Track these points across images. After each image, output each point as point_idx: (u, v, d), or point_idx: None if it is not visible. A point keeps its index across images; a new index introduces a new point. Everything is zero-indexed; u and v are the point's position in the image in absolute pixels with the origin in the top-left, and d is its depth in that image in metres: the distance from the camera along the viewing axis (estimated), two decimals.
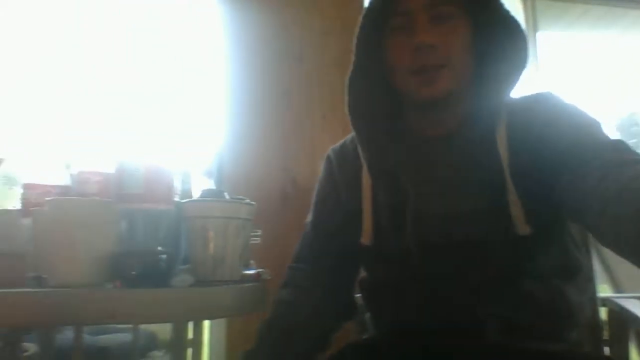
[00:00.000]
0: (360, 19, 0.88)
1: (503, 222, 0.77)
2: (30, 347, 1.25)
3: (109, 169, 0.77)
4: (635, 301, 1.07)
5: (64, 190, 0.90)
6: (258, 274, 0.83)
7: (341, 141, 1.04)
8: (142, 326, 1.57)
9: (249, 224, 0.81)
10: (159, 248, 0.71)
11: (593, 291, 0.86)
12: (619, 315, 1.06)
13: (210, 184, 1.12)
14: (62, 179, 0.91)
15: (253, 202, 0.84)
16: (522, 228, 0.77)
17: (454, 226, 0.81)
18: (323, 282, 0.94)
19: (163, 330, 1.69)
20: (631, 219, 0.58)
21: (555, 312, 0.79)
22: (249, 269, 0.91)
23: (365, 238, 0.88)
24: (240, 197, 1.00)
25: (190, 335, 1.33)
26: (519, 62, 0.84)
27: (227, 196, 0.94)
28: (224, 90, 2.00)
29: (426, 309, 0.82)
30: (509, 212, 0.77)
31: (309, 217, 1.03)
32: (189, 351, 1.31)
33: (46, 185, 0.91)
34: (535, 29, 2.77)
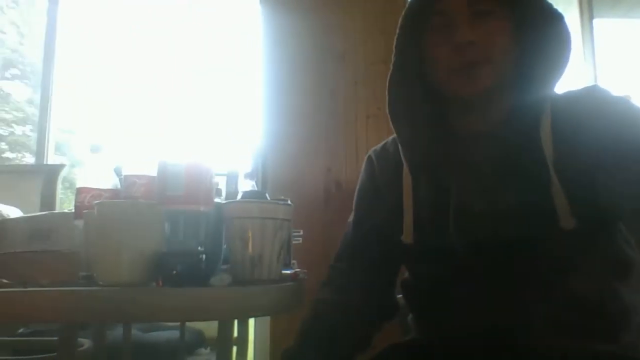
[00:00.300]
0: (400, 19, 0.89)
1: (548, 218, 0.76)
2: (85, 343, 1.31)
3: (154, 171, 0.81)
4: None
5: (114, 194, 0.95)
6: (295, 274, 0.84)
7: (382, 142, 1.05)
8: (190, 324, 1.63)
9: (287, 225, 0.82)
10: (199, 248, 0.73)
11: None
12: None
13: (253, 185, 1.14)
14: (112, 182, 0.96)
15: (290, 203, 0.85)
16: (568, 222, 0.75)
17: (498, 223, 0.80)
18: (364, 281, 0.95)
19: (210, 328, 1.74)
20: None
21: (607, 311, 0.76)
22: (289, 269, 0.92)
23: (407, 237, 0.88)
24: (281, 198, 1.02)
25: (235, 333, 1.37)
26: (562, 55, 0.83)
27: (267, 197, 0.96)
28: (267, 92, 2.03)
29: (471, 309, 0.81)
30: (554, 206, 0.76)
31: (351, 217, 1.04)
32: (234, 349, 1.34)
33: (98, 189, 0.95)
34: (591, 16, 2.66)
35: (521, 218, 0.79)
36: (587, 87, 0.85)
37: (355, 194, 1.05)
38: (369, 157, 1.05)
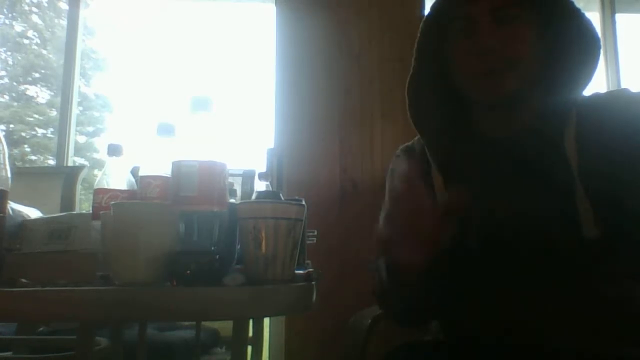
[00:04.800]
0: (421, 23, 0.89)
1: (572, 226, 0.76)
2: (102, 341, 1.33)
3: (169, 172, 0.81)
4: None
5: (130, 195, 0.96)
6: (308, 274, 0.84)
7: (409, 143, 1.05)
8: (205, 323, 1.64)
9: (300, 224, 0.82)
10: (213, 248, 0.74)
11: None
12: None
13: (267, 186, 1.15)
14: (130, 184, 0.97)
15: (304, 203, 0.85)
16: (591, 231, 0.75)
17: (521, 229, 0.80)
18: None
19: (225, 327, 1.75)
20: None
21: (630, 313, 0.75)
22: (302, 269, 0.92)
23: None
24: (296, 197, 1.02)
25: (250, 332, 1.38)
26: (590, 59, 0.82)
27: (282, 197, 0.97)
28: (282, 91, 2.04)
29: (493, 309, 0.81)
30: (578, 215, 0.75)
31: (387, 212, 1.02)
32: (250, 348, 1.35)
33: (115, 190, 0.97)
34: (613, 11, 2.62)
35: (544, 225, 0.78)
36: (615, 90, 0.84)
37: (387, 189, 1.03)
38: (398, 155, 1.04)
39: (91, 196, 0.98)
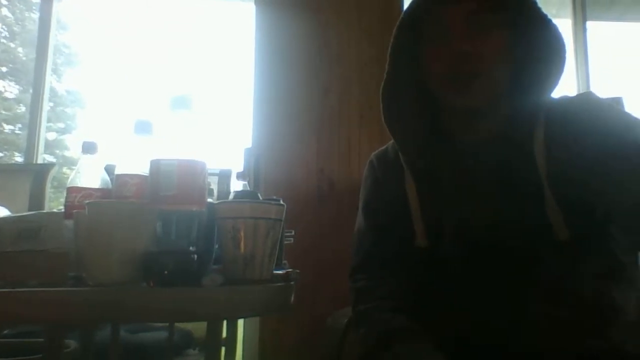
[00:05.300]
0: (395, 29, 0.89)
1: (543, 230, 0.77)
2: (71, 344, 1.30)
3: (146, 171, 0.80)
4: None
5: (105, 193, 0.94)
6: (287, 274, 0.83)
7: (383, 147, 1.05)
8: (179, 324, 1.62)
9: (279, 225, 0.82)
10: (191, 248, 0.73)
11: (638, 291, 0.84)
12: None
13: (245, 185, 1.14)
14: (104, 182, 0.95)
15: (283, 203, 0.84)
16: (562, 234, 0.76)
17: (495, 233, 0.81)
18: (401, 285, 0.90)
19: (198, 328, 1.73)
20: None
21: (600, 310, 0.78)
22: (280, 269, 0.92)
23: (421, 240, 0.88)
24: (274, 197, 1.01)
25: (224, 333, 1.36)
26: (556, 65, 0.83)
27: (260, 197, 0.96)
28: (260, 91, 2.02)
29: (469, 313, 0.82)
30: (549, 219, 0.77)
31: (361, 225, 1.00)
32: (223, 349, 1.33)
33: (89, 188, 0.94)
34: (584, 18, 2.69)
35: (517, 230, 0.80)
36: (581, 94, 0.86)
37: (362, 199, 1.03)
38: (371, 161, 1.04)
39: (60, 195, 0.95)
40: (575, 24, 2.71)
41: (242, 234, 0.77)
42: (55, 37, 2.66)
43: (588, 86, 2.60)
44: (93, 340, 1.30)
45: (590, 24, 2.71)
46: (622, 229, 0.72)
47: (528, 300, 0.78)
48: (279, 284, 0.77)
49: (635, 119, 0.76)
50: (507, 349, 0.78)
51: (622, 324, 0.79)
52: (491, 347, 0.79)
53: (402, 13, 0.88)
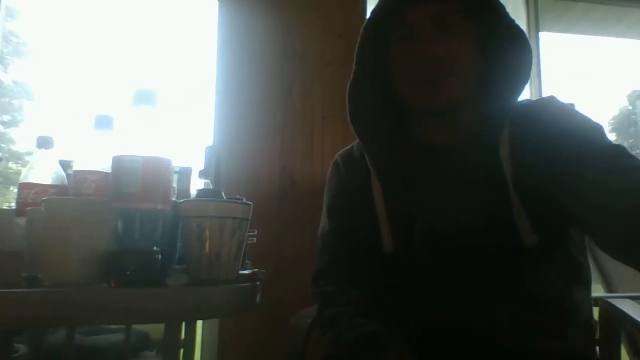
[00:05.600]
0: (362, 29, 0.88)
1: (510, 234, 0.78)
2: (20, 348, 1.24)
3: (107, 168, 0.77)
4: (628, 301, 1.09)
5: (61, 190, 0.90)
6: (254, 274, 0.83)
7: (348, 147, 1.04)
8: (135, 326, 1.56)
9: (246, 224, 0.81)
10: (155, 248, 0.71)
11: (590, 292, 0.88)
12: (612, 316, 1.07)
13: (207, 184, 1.11)
14: (60, 179, 0.91)
15: (250, 202, 0.84)
16: (529, 239, 0.77)
17: (462, 237, 0.82)
18: (366, 290, 0.89)
19: (155, 330, 1.68)
20: (634, 226, 0.60)
21: (561, 312, 0.80)
22: (245, 269, 0.91)
23: (388, 246, 0.87)
24: (237, 197, 0.99)
25: (183, 335, 1.33)
26: (523, 70, 0.85)
27: (224, 196, 0.94)
28: (222, 89, 1.99)
29: (435, 312, 0.83)
30: (516, 224, 0.78)
31: (326, 227, 0.99)
32: (182, 351, 1.30)
33: (43, 185, 0.90)
34: (537, 29, 2.79)
35: (484, 233, 0.80)
36: (543, 98, 0.87)
37: (327, 201, 1.01)
38: (336, 162, 1.02)
39: (6, 191, 0.91)
40: (529, 34, 2.81)
41: (207, 233, 0.76)
42: (2, 24, 2.52)
43: (541, 95, 2.71)
44: (44, 344, 1.25)
45: (542, 35, 2.82)
46: (585, 230, 0.73)
47: (495, 302, 0.79)
48: (246, 284, 0.76)
49: (596, 122, 0.78)
50: (475, 349, 0.78)
51: (579, 323, 0.82)
52: (459, 347, 0.80)
53: (370, 13, 0.88)
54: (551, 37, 3.23)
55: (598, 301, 1.09)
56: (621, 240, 0.63)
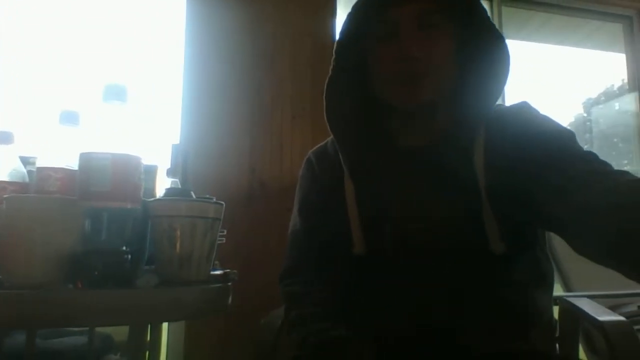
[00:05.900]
0: (342, 26, 0.88)
1: (479, 241, 0.79)
2: None
3: (73, 165, 0.74)
4: (585, 300, 1.13)
5: (22, 187, 0.86)
6: (225, 275, 0.82)
7: (321, 144, 1.03)
8: (98, 328, 1.52)
9: (217, 224, 0.80)
10: (124, 248, 0.69)
11: (552, 293, 0.90)
12: (570, 314, 1.11)
13: (174, 183, 1.09)
14: (20, 175, 0.87)
15: (221, 202, 0.82)
16: (497, 247, 0.78)
17: (431, 237, 0.82)
18: (334, 291, 0.88)
19: (119, 332, 1.64)
20: (607, 230, 0.60)
21: (525, 315, 0.82)
22: (215, 270, 0.89)
23: (358, 247, 0.86)
24: (208, 196, 0.98)
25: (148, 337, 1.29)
26: (500, 73, 0.85)
27: (193, 195, 0.92)
28: (190, 87, 1.96)
29: (402, 314, 0.83)
30: (485, 231, 0.79)
31: (297, 225, 0.98)
32: (147, 353, 1.27)
33: (2, 182, 0.86)
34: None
35: (453, 237, 0.81)
36: (516, 104, 0.88)
37: (298, 198, 1.00)
38: (309, 159, 1.01)
39: None
40: None
41: (178, 233, 0.74)
42: None
43: (503, 101, 2.78)
44: (1, 347, 1.19)
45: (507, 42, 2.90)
46: (561, 231, 0.71)
47: (462, 304, 0.80)
48: (217, 285, 0.75)
49: (569, 129, 0.79)
50: (440, 350, 0.79)
51: (542, 324, 0.84)
52: (424, 349, 0.80)
53: (351, 8, 0.87)
54: (513, 45, 3.31)
55: (557, 300, 1.13)
56: (604, 240, 0.61)
